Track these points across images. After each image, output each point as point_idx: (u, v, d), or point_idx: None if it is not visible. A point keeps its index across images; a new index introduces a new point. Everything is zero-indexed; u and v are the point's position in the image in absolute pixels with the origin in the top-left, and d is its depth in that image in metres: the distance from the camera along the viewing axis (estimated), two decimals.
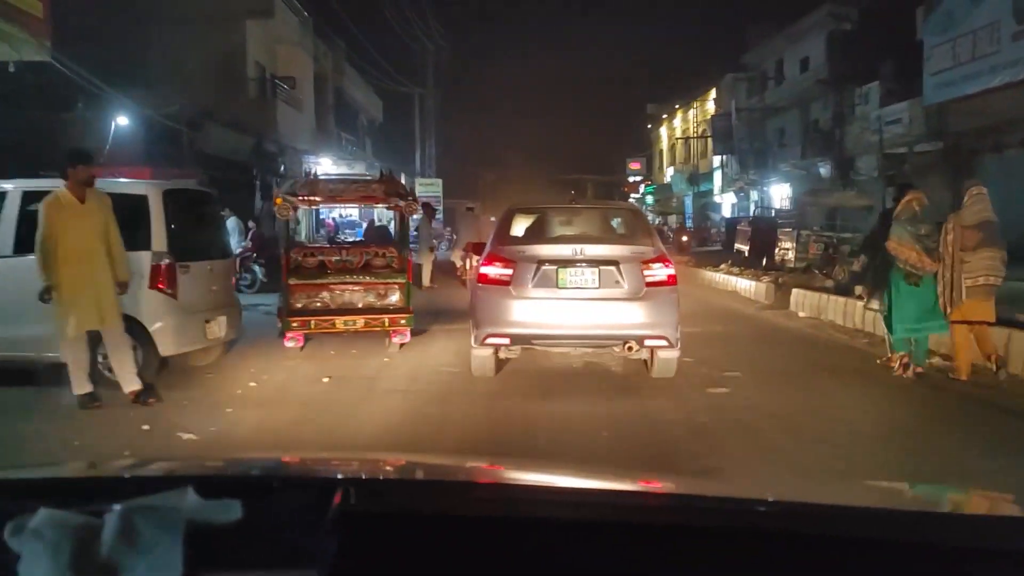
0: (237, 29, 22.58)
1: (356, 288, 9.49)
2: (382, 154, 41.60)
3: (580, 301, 7.41)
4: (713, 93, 45.37)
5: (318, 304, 9.38)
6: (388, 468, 1.66)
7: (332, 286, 9.44)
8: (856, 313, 11.54)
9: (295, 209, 9.72)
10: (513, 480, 1.55)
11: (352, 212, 36.60)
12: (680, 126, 53.50)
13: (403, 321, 9.41)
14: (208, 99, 19.48)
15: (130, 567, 0.81)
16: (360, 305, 9.48)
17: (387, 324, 9.41)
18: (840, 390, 7.69)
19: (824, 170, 30.08)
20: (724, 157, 42.76)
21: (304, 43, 27.05)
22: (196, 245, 8.29)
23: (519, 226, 8.44)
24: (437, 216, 30.51)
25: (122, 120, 15.75)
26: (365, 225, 27.31)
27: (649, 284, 7.41)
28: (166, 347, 7.68)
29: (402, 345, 9.62)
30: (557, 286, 7.42)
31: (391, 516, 1.08)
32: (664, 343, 7.42)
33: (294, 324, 9.20)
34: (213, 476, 1.32)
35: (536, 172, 64.42)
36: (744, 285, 17.33)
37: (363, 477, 1.42)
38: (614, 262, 7.44)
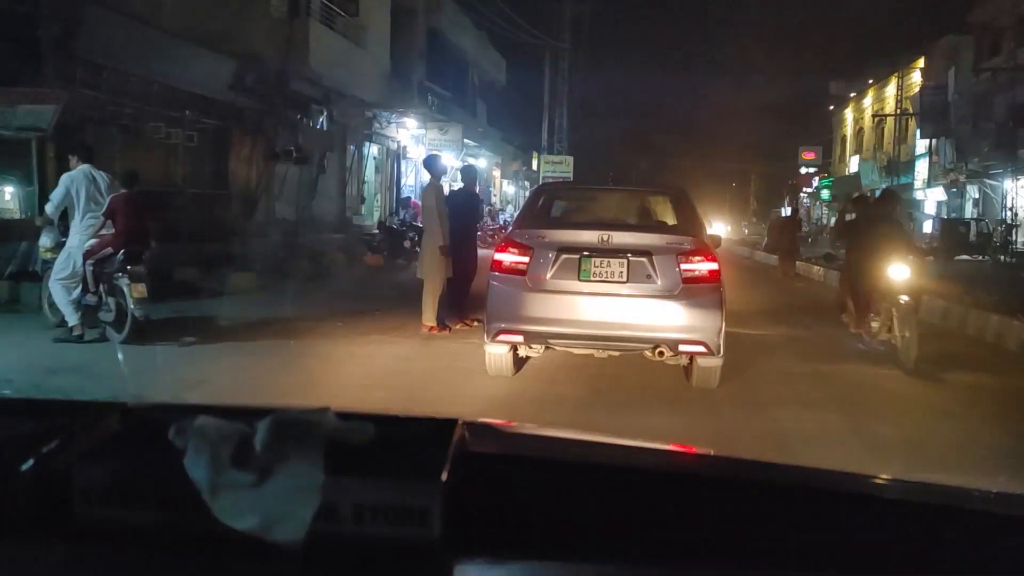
0: None
1: None
2: (500, 123, 35.00)
3: (605, 297, 6.56)
4: (921, 62, 36.41)
5: None
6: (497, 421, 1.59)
7: None
8: None
9: None
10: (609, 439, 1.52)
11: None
12: (872, 106, 44.39)
13: None
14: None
15: (279, 467, 0.91)
16: None
17: None
18: None
19: None
20: (933, 142, 33.98)
21: None
22: None
23: (547, 209, 7.65)
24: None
25: None
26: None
27: (686, 280, 6.48)
28: None
29: None
30: (579, 278, 6.57)
31: (499, 456, 1.18)
32: (702, 349, 6.43)
33: None
34: (344, 411, 1.19)
35: (695, 160, 57.73)
36: None
37: (477, 420, 1.36)
38: (646, 252, 6.53)
